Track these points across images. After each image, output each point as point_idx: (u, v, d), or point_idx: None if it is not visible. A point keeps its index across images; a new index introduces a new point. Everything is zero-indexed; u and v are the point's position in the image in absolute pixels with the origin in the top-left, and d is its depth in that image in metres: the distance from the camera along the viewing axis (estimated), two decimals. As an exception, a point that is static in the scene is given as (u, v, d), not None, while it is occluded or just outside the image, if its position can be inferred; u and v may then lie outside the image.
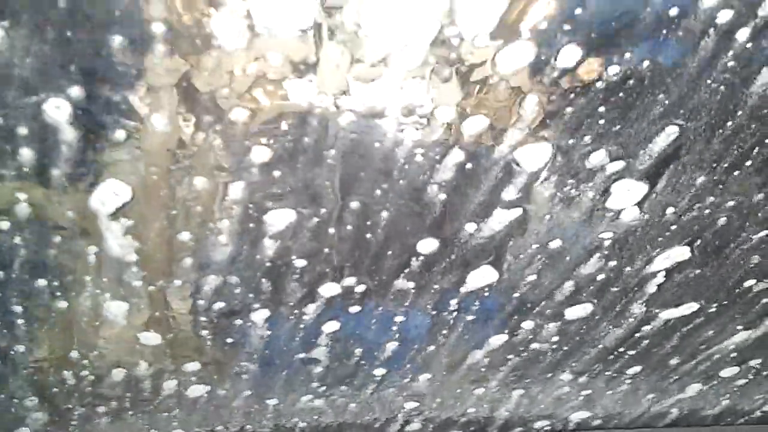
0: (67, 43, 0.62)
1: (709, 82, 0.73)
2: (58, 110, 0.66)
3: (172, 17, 0.61)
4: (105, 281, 0.85)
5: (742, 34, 0.69)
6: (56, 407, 1.05)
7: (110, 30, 0.61)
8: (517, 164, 0.79)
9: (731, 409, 1.36)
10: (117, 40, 0.62)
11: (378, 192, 0.79)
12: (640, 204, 0.86)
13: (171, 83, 0.66)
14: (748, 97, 0.75)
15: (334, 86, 0.68)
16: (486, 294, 0.97)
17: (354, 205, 0.81)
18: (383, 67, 0.67)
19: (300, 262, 0.87)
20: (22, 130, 0.68)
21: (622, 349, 1.13)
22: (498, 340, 1.07)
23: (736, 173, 0.84)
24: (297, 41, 0.64)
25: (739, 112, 0.76)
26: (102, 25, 0.61)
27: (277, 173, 0.75)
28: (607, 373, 1.20)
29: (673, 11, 0.66)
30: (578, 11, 0.65)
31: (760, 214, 0.89)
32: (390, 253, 0.88)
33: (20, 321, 0.90)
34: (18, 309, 0.88)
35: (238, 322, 0.95)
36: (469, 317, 1.01)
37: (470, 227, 0.86)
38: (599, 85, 0.72)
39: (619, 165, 0.81)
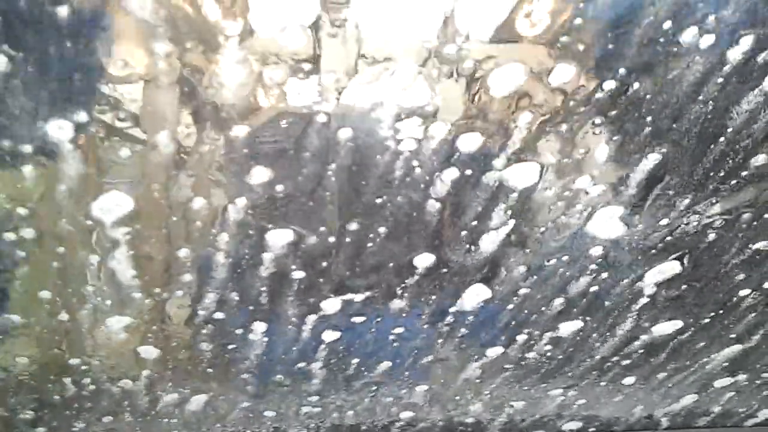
0: (68, 61, 0.63)
1: (698, 100, 0.74)
2: (60, 130, 0.68)
3: (172, 23, 0.62)
4: (105, 291, 0.86)
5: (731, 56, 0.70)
6: (55, 419, 1.06)
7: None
8: (508, 182, 0.80)
9: (726, 414, 1.36)
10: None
11: (376, 204, 0.80)
12: (627, 223, 0.88)
13: (171, 89, 0.67)
14: (734, 118, 0.76)
15: (335, 89, 0.69)
16: (479, 308, 0.98)
17: (352, 215, 0.82)
18: (383, 70, 0.68)
19: (297, 275, 0.88)
20: (26, 149, 0.69)
21: (615, 360, 1.14)
22: (493, 352, 1.08)
23: (723, 191, 0.85)
24: (298, 42, 0.65)
25: (726, 132, 0.78)
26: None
27: (276, 186, 0.76)
28: (601, 383, 1.20)
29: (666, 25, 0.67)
30: (576, 22, 0.67)
31: (749, 230, 0.90)
32: (387, 267, 0.89)
33: (21, 330, 0.91)
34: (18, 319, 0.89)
35: (237, 333, 0.96)
36: (463, 330, 1.02)
37: (463, 244, 0.87)
38: (592, 103, 0.73)
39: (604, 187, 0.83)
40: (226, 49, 0.64)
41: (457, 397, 1.19)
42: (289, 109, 0.70)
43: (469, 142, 0.76)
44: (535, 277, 0.94)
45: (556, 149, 0.78)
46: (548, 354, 1.10)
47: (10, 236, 0.77)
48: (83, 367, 0.97)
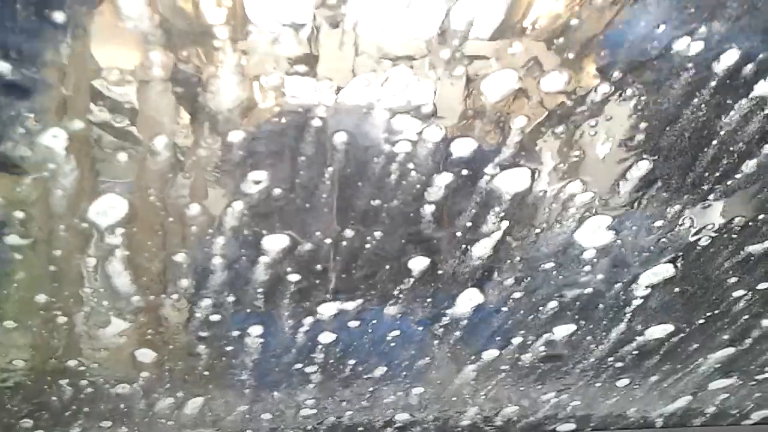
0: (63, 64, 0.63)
1: (687, 110, 0.75)
2: (55, 139, 0.68)
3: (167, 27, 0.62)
4: (101, 293, 0.86)
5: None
6: (50, 423, 1.06)
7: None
8: (501, 186, 0.80)
9: (719, 415, 1.37)
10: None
11: (372, 206, 0.80)
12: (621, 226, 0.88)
13: (167, 92, 0.67)
14: (724, 125, 0.77)
15: (332, 89, 0.69)
16: (473, 312, 0.98)
17: (348, 218, 0.82)
18: (381, 72, 0.68)
19: (293, 278, 0.88)
20: (24, 155, 0.69)
21: (609, 361, 1.15)
22: (488, 355, 1.08)
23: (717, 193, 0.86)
24: (294, 43, 0.65)
25: (716, 139, 0.78)
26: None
27: (273, 189, 0.76)
28: (596, 384, 1.21)
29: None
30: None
31: (742, 234, 0.91)
32: (381, 269, 0.89)
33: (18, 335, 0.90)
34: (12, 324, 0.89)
35: (233, 335, 0.96)
36: (457, 334, 1.02)
37: (457, 248, 0.88)
38: (587, 106, 0.73)
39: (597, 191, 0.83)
40: (222, 52, 0.64)
41: (454, 398, 1.19)
42: (285, 110, 0.70)
43: (465, 145, 0.76)
44: (528, 280, 0.94)
45: (549, 153, 0.78)
46: (542, 356, 1.10)
47: (5, 240, 0.77)
48: (80, 369, 0.97)
